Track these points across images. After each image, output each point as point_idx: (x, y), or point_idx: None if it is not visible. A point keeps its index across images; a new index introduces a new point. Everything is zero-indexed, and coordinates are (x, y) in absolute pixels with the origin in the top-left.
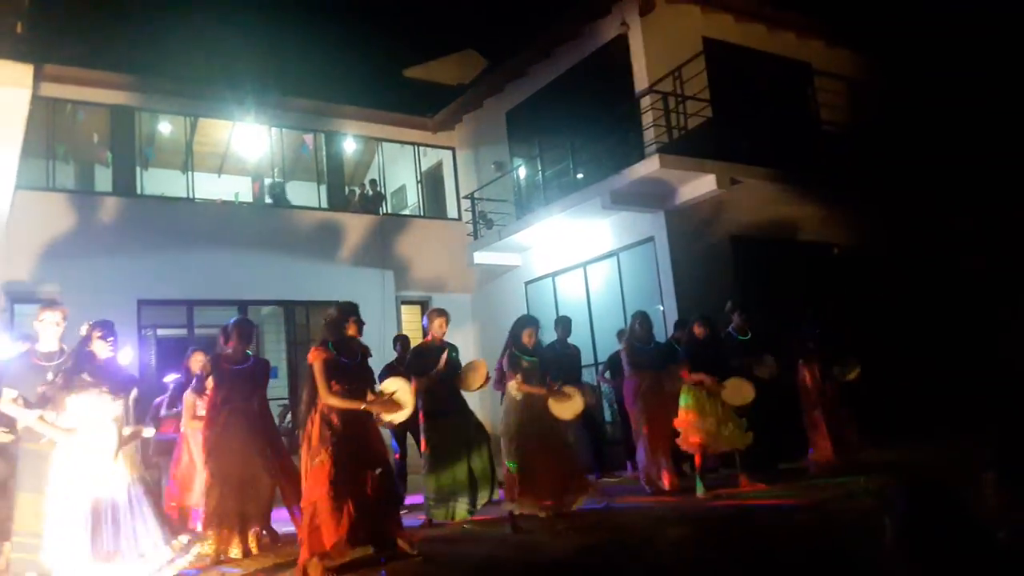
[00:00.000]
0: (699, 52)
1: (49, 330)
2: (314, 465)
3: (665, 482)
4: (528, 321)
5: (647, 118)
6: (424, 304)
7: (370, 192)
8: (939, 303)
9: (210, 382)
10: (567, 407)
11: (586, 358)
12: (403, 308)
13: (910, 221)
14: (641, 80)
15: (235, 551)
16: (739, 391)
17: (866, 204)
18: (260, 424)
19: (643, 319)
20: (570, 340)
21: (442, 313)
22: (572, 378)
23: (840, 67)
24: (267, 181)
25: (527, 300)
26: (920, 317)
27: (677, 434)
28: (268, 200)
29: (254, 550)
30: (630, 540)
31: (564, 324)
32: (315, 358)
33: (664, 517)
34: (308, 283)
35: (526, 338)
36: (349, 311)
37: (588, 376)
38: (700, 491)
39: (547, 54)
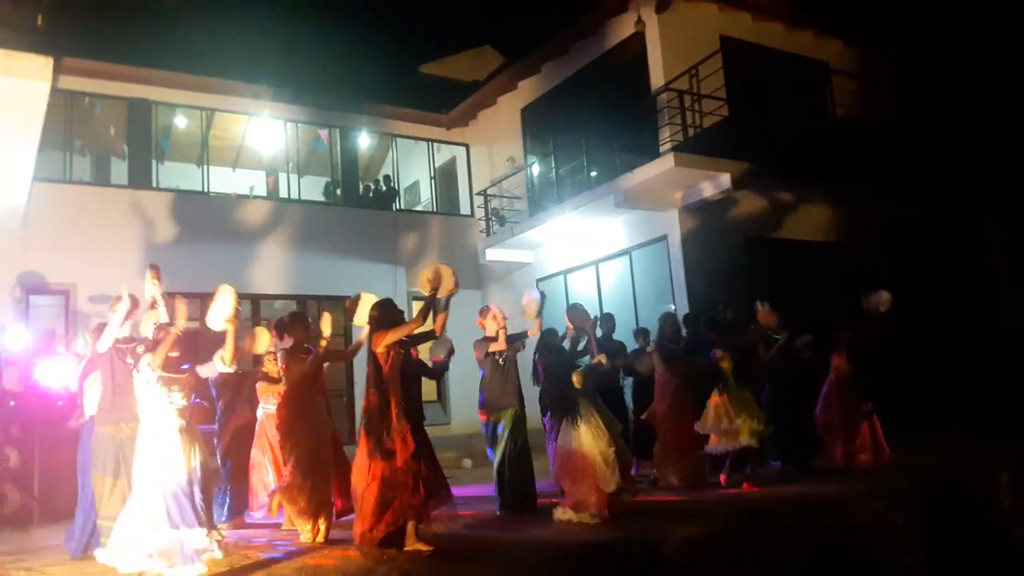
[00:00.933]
0: (716, 50)
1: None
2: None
3: (675, 480)
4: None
5: (662, 116)
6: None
7: (384, 188)
8: (955, 303)
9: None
10: None
11: None
12: (414, 304)
13: (927, 220)
14: (657, 78)
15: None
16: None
17: (882, 203)
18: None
19: (672, 320)
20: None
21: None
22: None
23: (858, 66)
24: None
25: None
26: (935, 317)
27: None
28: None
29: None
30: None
31: (608, 320)
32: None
33: (684, 511)
34: (321, 278)
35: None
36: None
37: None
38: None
39: (563, 51)
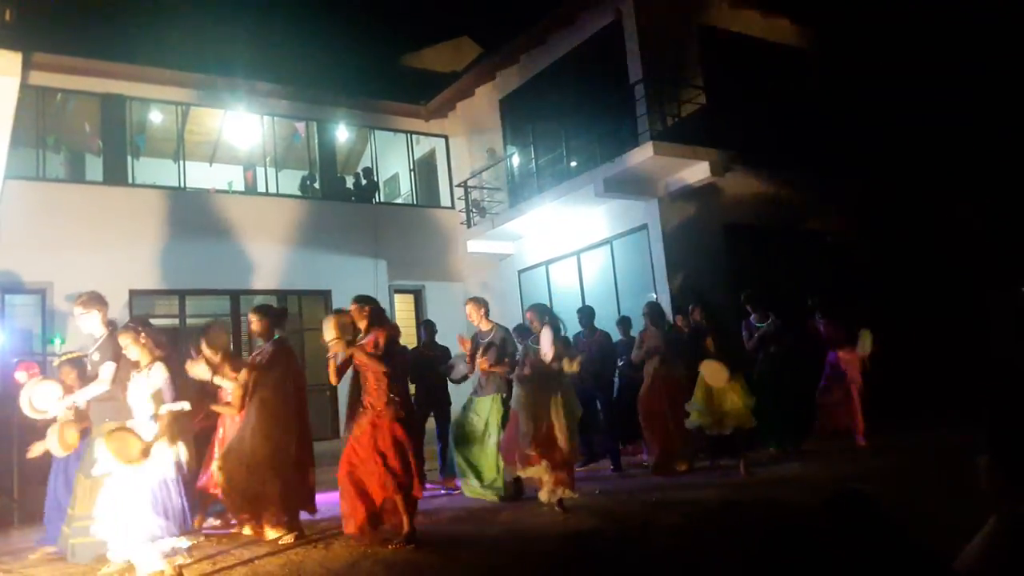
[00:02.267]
0: (693, 39)
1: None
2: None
3: (649, 458)
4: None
5: (641, 105)
6: (417, 293)
7: (364, 181)
8: (933, 290)
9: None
10: None
11: None
12: (396, 297)
13: (907, 208)
14: (635, 67)
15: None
16: (716, 374)
17: (862, 192)
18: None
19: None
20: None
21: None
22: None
23: (836, 53)
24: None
25: (520, 288)
26: (914, 304)
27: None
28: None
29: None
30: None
31: (584, 314)
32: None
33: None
34: (301, 272)
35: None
36: None
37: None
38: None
39: (541, 41)
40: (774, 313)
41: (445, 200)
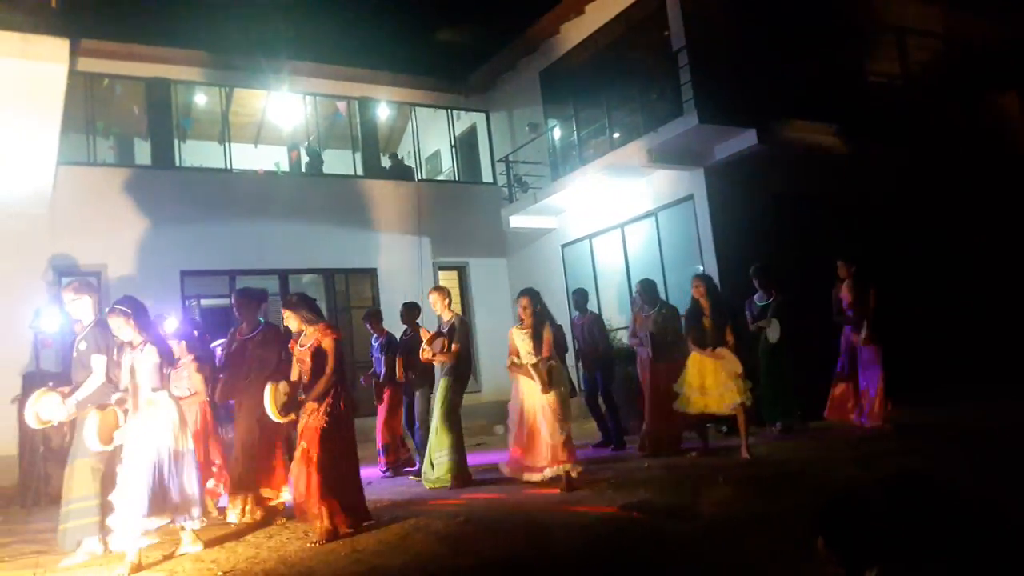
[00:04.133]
0: (738, 3)
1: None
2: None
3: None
4: (520, 294)
5: (684, 73)
6: (461, 269)
7: (390, 164)
8: (983, 261)
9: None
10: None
11: (626, 321)
12: (440, 274)
13: (958, 176)
14: (678, 34)
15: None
16: (731, 364)
17: (913, 158)
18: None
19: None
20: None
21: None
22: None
23: (888, 16)
24: (303, 146)
25: (564, 263)
26: (961, 275)
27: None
28: (304, 164)
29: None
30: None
31: (578, 296)
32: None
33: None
34: (347, 251)
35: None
36: None
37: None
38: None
39: (580, 10)
40: (777, 289)
41: (487, 176)
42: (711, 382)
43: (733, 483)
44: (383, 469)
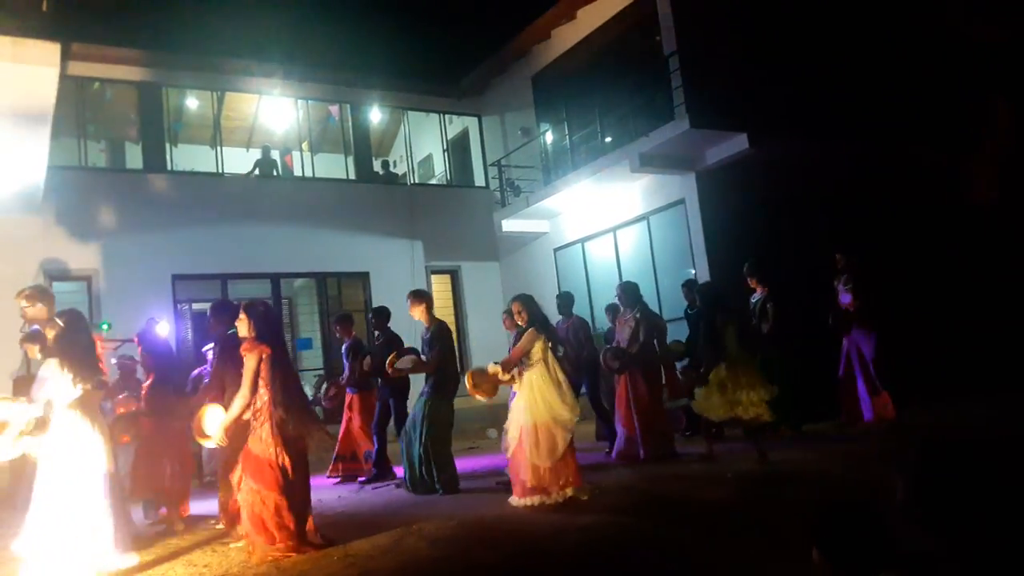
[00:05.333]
0: (728, 8)
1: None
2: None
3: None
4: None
5: (676, 78)
6: (454, 273)
7: (381, 171)
8: (979, 260)
9: None
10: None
11: None
12: (433, 277)
13: (954, 180)
14: (669, 39)
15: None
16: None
17: (907, 162)
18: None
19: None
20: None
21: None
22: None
23: (878, 18)
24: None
25: (556, 267)
26: (958, 275)
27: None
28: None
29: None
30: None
31: (564, 299)
32: None
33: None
34: (339, 255)
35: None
36: None
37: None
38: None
39: (572, 15)
40: (770, 285)
41: (479, 180)
42: (737, 393)
43: (731, 486)
44: (361, 479)
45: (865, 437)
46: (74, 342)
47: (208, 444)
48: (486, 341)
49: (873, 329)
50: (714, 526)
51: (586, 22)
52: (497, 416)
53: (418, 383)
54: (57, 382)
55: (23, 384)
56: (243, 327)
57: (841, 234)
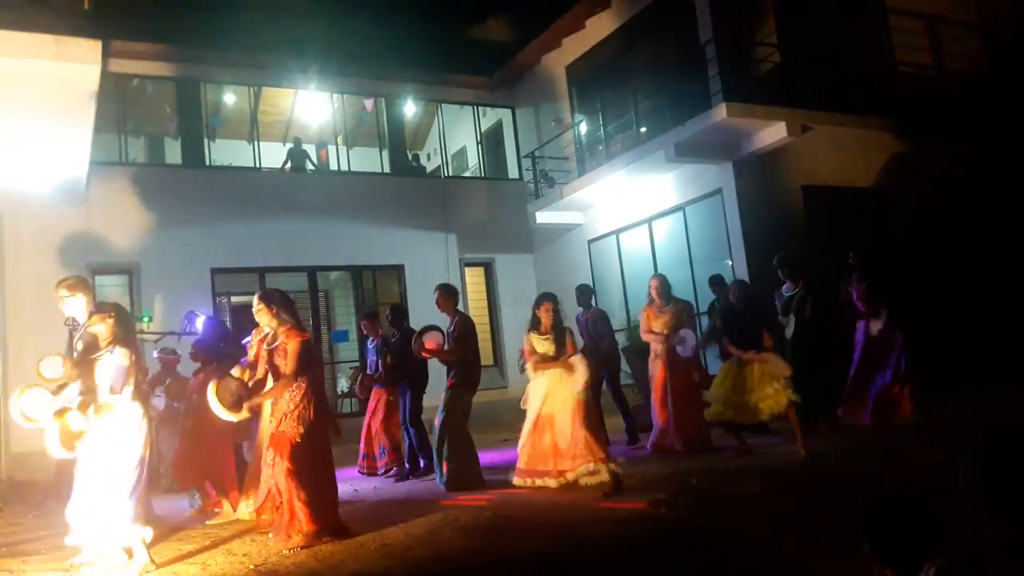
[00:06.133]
0: None
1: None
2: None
3: (678, 445)
4: (542, 298)
5: (712, 66)
6: (487, 265)
7: (414, 163)
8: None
9: None
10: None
11: None
12: (467, 270)
13: (991, 168)
14: (705, 26)
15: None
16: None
17: (946, 149)
18: None
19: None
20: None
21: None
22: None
23: (920, 5)
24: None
25: (591, 259)
26: (998, 271)
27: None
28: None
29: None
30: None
31: (583, 292)
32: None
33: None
34: (374, 248)
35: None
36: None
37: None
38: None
39: (606, 4)
40: (804, 279)
41: (513, 172)
42: (752, 389)
43: (763, 480)
44: (382, 471)
45: (900, 429)
46: (130, 334)
47: (227, 417)
48: (520, 333)
49: (892, 325)
50: (749, 519)
51: (620, 11)
52: None
53: (437, 381)
54: (120, 370)
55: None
56: (265, 315)
57: (881, 225)
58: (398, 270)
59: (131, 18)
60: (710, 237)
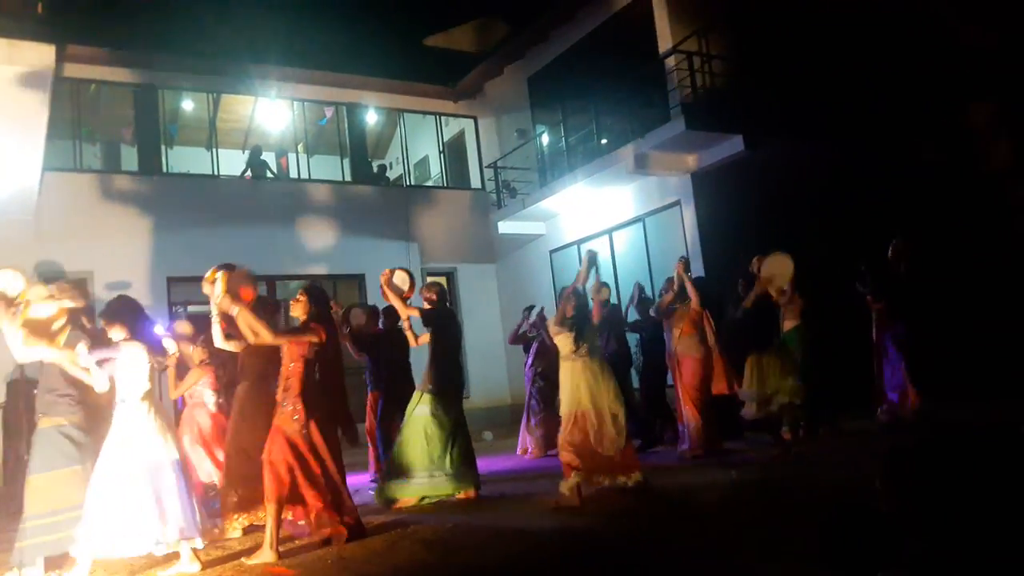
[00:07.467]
0: (724, 9)
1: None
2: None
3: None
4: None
5: (672, 79)
6: (450, 275)
7: (379, 172)
8: (980, 256)
9: None
10: None
11: None
12: (429, 279)
13: (954, 179)
14: (665, 40)
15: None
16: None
17: (901, 154)
18: None
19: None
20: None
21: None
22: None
23: (875, 21)
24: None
25: (552, 269)
26: (958, 271)
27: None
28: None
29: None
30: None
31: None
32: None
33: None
34: (335, 256)
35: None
36: None
37: None
38: None
39: (569, 17)
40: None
41: (475, 182)
42: (773, 382)
43: (728, 489)
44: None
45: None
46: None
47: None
48: (483, 341)
49: (903, 323)
50: (706, 529)
51: (583, 23)
52: (492, 419)
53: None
54: (137, 369)
55: (17, 388)
56: (299, 308)
57: (837, 238)
58: (359, 279)
59: (88, 23)
60: (669, 248)
